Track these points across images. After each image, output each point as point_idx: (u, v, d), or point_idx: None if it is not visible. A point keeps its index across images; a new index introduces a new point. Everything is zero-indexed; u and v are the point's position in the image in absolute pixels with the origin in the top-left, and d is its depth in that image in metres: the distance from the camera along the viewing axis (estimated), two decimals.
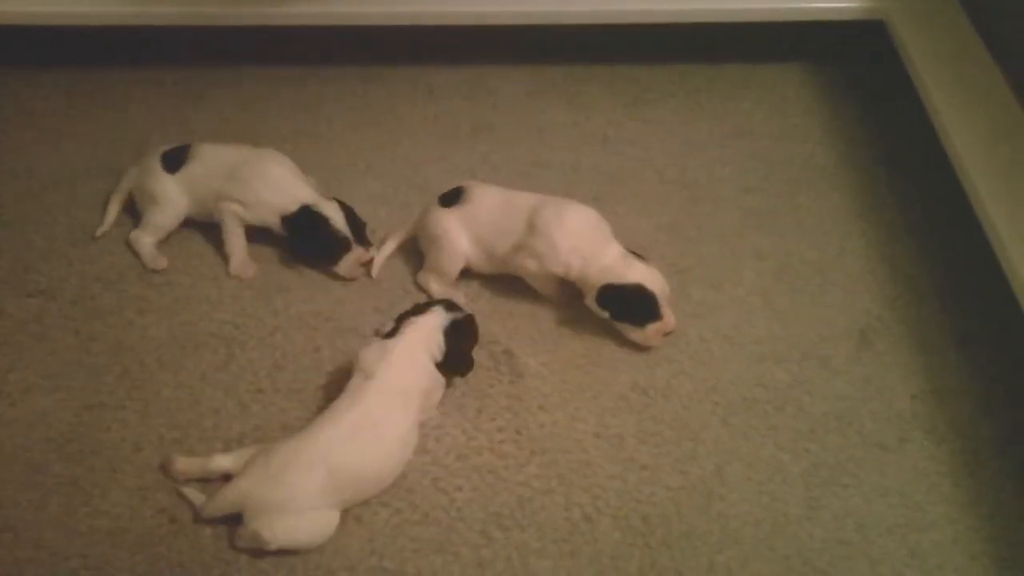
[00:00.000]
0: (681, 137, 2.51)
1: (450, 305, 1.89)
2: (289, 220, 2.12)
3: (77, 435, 1.85)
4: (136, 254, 2.16)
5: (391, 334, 1.83)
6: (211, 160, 2.18)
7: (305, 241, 2.12)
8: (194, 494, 1.73)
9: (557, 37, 2.70)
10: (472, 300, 2.08)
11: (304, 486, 1.65)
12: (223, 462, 1.74)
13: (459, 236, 2.08)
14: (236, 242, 2.15)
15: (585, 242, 2.01)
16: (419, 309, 1.87)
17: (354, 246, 2.11)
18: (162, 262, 2.15)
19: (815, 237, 2.26)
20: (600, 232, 2.04)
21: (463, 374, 1.90)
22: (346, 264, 2.11)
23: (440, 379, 1.84)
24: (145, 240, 2.16)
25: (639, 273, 1.97)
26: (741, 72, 2.72)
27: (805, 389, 1.95)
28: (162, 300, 2.08)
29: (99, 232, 2.21)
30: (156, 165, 2.19)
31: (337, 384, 1.91)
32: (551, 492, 1.77)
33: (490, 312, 2.06)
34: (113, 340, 2.00)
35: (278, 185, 2.15)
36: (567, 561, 1.68)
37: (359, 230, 2.14)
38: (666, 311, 1.98)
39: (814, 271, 2.18)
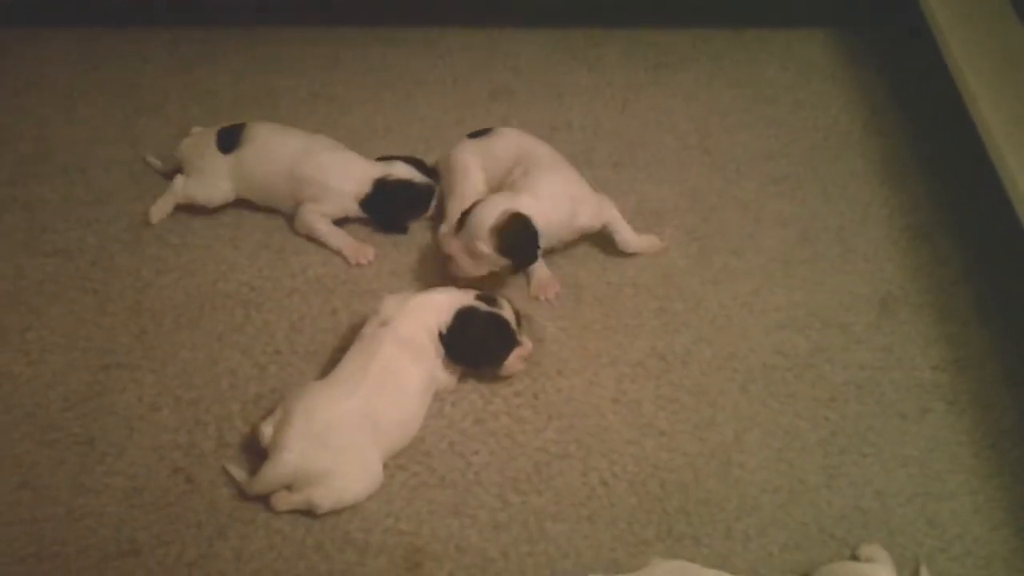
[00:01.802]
0: (702, 102, 2.48)
1: (488, 298, 1.85)
2: (370, 200, 2.10)
3: (94, 394, 1.85)
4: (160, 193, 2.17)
5: None
6: (264, 146, 2.13)
7: (394, 212, 2.12)
8: (237, 471, 1.72)
9: (577, 0, 2.67)
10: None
11: (352, 446, 1.66)
12: (267, 431, 1.71)
13: (474, 161, 2.10)
14: (336, 237, 2.10)
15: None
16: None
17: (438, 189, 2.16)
18: (155, 218, 2.14)
19: (837, 204, 2.23)
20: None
21: (456, 362, 1.84)
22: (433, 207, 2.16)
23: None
24: (174, 195, 2.15)
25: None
26: (763, 37, 2.68)
27: (825, 357, 1.93)
28: (179, 261, 2.07)
29: (153, 161, 2.25)
30: (210, 141, 2.15)
31: None
32: (568, 457, 1.77)
33: (508, 277, 2.04)
34: (130, 300, 2.00)
35: (342, 173, 2.11)
36: (584, 526, 1.68)
37: (434, 176, 2.17)
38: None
39: (836, 239, 2.16)
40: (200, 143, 2.17)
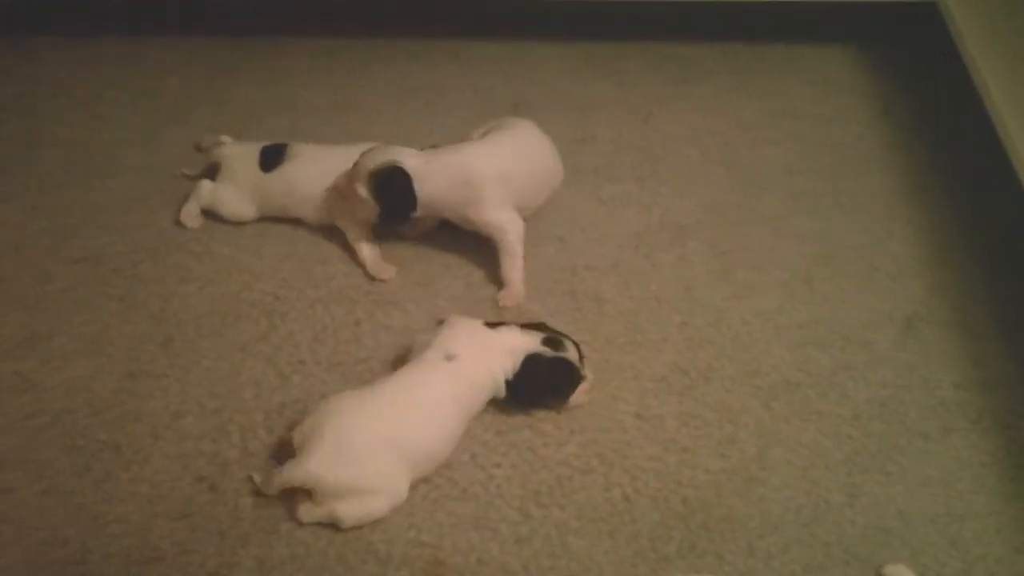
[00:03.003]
0: (726, 117, 2.49)
1: (552, 339, 1.83)
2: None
3: (119, 401, 1.85)
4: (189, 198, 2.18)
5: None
6: (308, 161, 2.14)
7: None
8: (257, 475, 1.71)
9: (600, 13, 2.68)
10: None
11: (382, 468, 1.65)
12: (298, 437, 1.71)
13: None
14: (366, 249, 2.10)
15: None
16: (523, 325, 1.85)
17: None
18: (194, 223, 2.15)
19: (861, 221, 2.23)
20: None
21: (519, 404, 1.84)
22: None
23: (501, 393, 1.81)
24: (202, 199, 2.16)
25: None
26: (787, 52, 2.68)
27: (848, 375, 1.93)
28: (203, 270, 2.08)
29: (187, 171, 2.26)
30: (253, 156, 2.16)
31: (378, 358, 1.92)
32: (590, 472, 1.76)
33: (530, 289, 2.05)
34: (155, 308, 2.01)
35: None
36: (605, 541, 1.67)
37: None
38: None
39: (859, 256, 2.15)
40: (243, 156, 2.18)
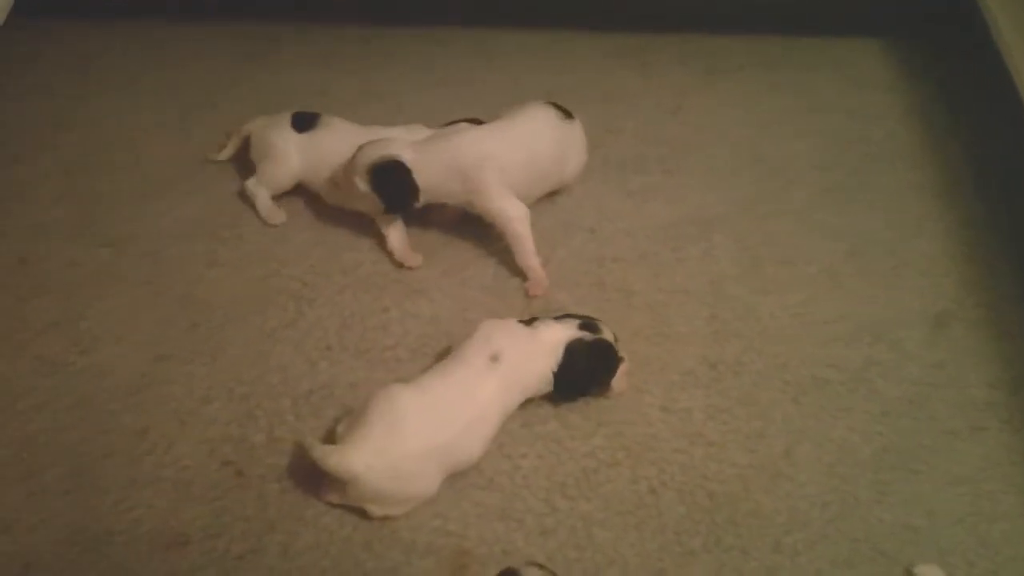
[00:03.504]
0: (755, 110, 2.47)
1: (588, 324, 1.82)
2: None
3: (145, 385, 1.86)
4: (252, 206, 2.17)
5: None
6: (341, 134, 2.14)
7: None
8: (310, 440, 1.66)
9: (631, 4, 2.66)
10: None
11: (421, 478, 1.65)
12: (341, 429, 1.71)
13: None
14: (395, 233, 2.10)
15: None
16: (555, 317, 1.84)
17: None
18: (280, 216, 2.15)
19: (891, 217, 2.21)
20: None
21: (570, 399, 1.84)
22: None
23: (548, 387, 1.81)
24: (262, 193, 2.16)
25: None
26: (818, 46, 2.66)
27: (877, 372, 1.91)
28: (231, 255, 2.08)
29: (214, 157, 2.26)
30: (284, 120, 2.17)
31: (405, 345, 1.92)
32: (617, 464, 1.76)
33: (558, 280, 2.04)
34: (182, 293, 2.01)
35: None
36: (631, 534, 1.67)
37: None
38: None
39: (889, 252, 2.13)
40: (272, 122, 2.18)
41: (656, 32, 2.66)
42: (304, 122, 2.16)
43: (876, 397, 1.87)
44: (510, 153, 2.03)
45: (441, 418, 1.66)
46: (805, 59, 2.61)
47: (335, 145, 2.11)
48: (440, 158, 1.99)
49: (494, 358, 1.72)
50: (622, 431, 1.80)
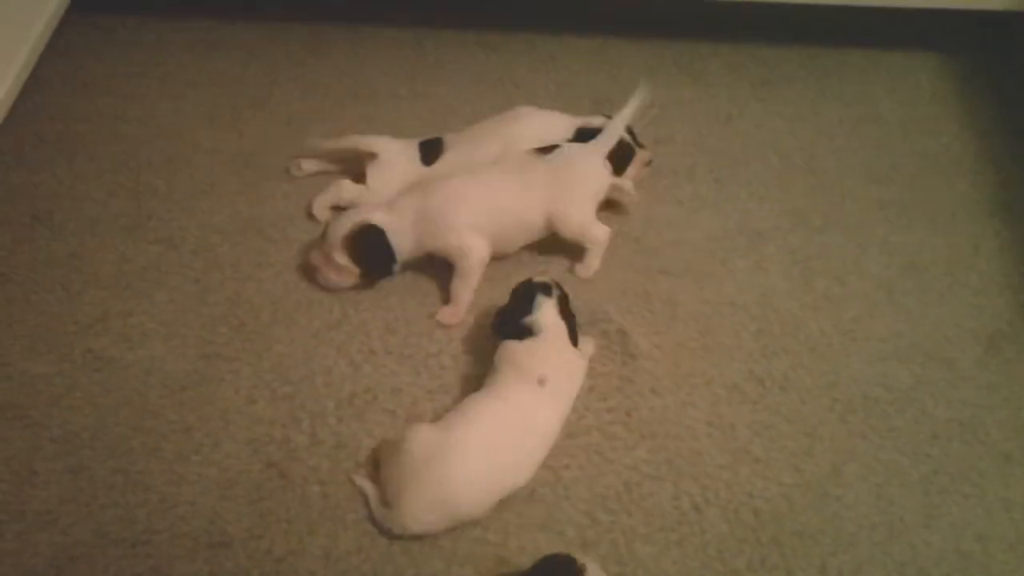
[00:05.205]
0: (808, 121, 2.43)
1: (544, 287, 1.82)
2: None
3: (191, 383, 1.87)
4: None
5: (518, 332, 1.78)
6: (465, 146, 2.15)
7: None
8: (370, 488, 1.70)
9: (683, 12, 2.63)
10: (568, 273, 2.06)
11: (476, 509, 1.65)
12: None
13: None
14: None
15: None
16: (522, 298, 1.81)
17: (639, 150, 2.19)
18: (325, 215, 2.14)
19: (946, 233, 2.17)
20: None
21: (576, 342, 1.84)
22: (634, 168, 2.17)
23: (583, 365, 1.81)
24: (345, 193, 2.15)
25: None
26: (873, 58, 2.61)
27: (928, 392, 1.88)
28: (279, 255, 2.08)
29: (299, 172, 2.25)
30: (413, 152, 2.16)
31: (448, 352, 1.91)
32: (659, 479, 1.74)
33: (604, 290, 2.02)
34: (231, 292, 2.02)
35: (540, 132, 2.16)
36: (673, 550, 1.65)
37: (635, 138, 2.20)
38: None
39: (943, 269, 2.10)
40: (400, 150, 2.16)
41: (708, 41, 2.63)
42: (431, 154, 2.15)
43: (926, 418, 1.84)
44: (480, 196, 1.99)
45: (485, 451, 1.64)
46: (859, 70, 2.57)
47: (459, 158, 2.14)
48: (409, 212, 1.97)
49: (541, 381, 1.70)
50: (666, 445, 1.79)
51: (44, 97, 2.44)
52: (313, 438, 1.78)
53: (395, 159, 2.15)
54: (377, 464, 1.72)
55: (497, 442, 1.64)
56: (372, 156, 2.15)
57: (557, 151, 2.04)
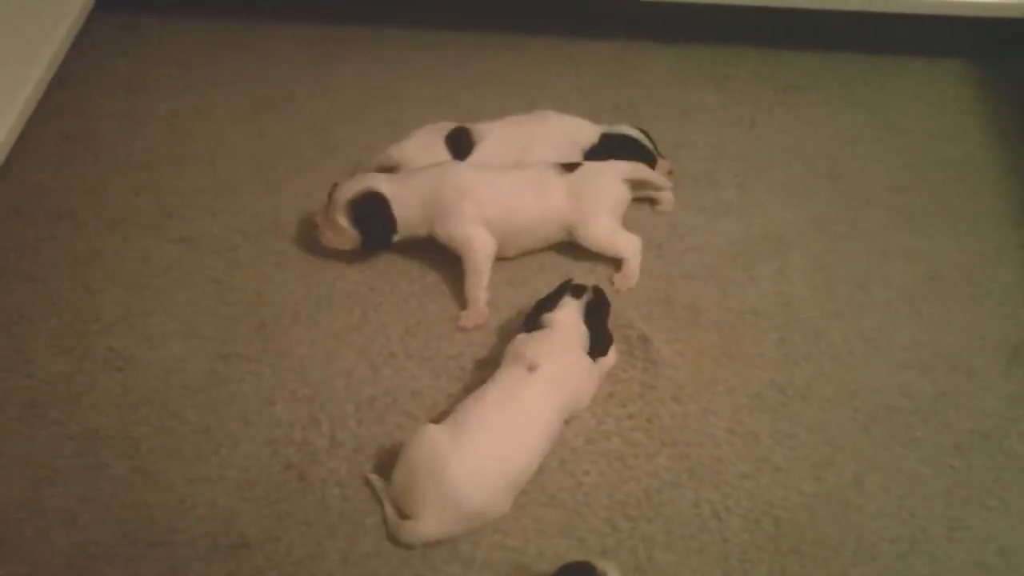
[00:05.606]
0: (832, 128, 2.42)
1: (577, 288, 1.83)
2: (597, 149, 2.15)
3: (212, 384, 1.87)
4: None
5: (534, 326, 1.79)
6: (497, 139, 2.16)
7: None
8: (388, 504, 1.68)
9: (706, 17, 2.63)
10: (609, 284, 2.03)
11: (488, 512, 1.64)
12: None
13: None
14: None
15: None
16: (553, 295, 1.83)
17: (660, 159, 2.20)
18: None
19: (969, 242, 2.15)
20: None
21: (606, 352, 1.85)
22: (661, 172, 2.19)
23: (593, 371, 1.81)
24: None
25: None
26: (898, 64, 2.60)
27: (951, 402, 1.86)
28: (300, 256, 2.09)
29: None
30: (441, 149, 2.14)
31: (469, 355, 1.91)
32: (680, 486, 1.73)
33: (626, 296, 2.01)
34: (251, 292, 2.02)
35: (565, 136, 2.18)
36: (693, 559, 1.64)
37: (655, 146, 2.23)
38: None
39: (966, 278, 2.08)
40: (427, 145, 2.15)
41: (732, 46, 2.62)
42: (461, 148, 2.15)
43: (949, 429, 1.82)
44: (490, 191, 2.00)
45: (491, 446, 1.64)
46: (883, 77, 2.55)
47: (494, 151, 2.15)
48: (419, 190, 1.99)
49: (531, 368, 1.71)
50: (686, 452, 1.78)
51: (69, 95, 2.45)
52: (333, 440, 1.78)
53: (420, 160, 2.12)
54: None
55: (495, 429, 1.65)
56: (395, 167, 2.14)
57: (580, 168, 2.06)
